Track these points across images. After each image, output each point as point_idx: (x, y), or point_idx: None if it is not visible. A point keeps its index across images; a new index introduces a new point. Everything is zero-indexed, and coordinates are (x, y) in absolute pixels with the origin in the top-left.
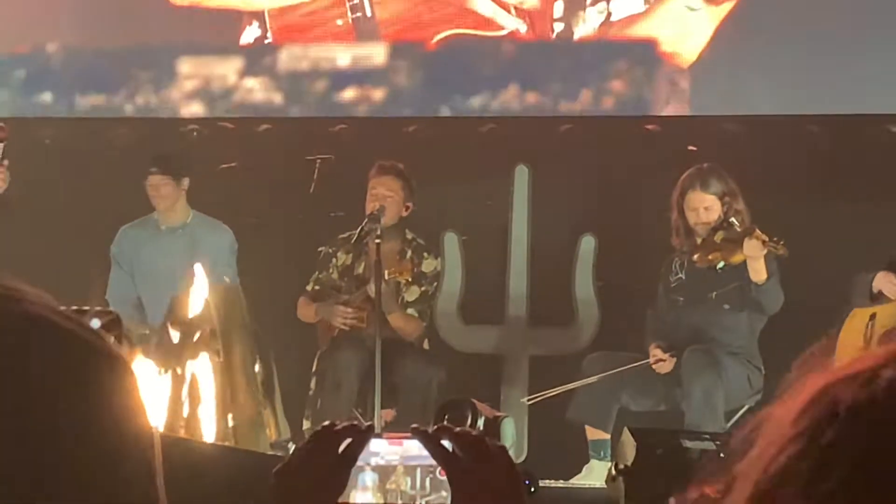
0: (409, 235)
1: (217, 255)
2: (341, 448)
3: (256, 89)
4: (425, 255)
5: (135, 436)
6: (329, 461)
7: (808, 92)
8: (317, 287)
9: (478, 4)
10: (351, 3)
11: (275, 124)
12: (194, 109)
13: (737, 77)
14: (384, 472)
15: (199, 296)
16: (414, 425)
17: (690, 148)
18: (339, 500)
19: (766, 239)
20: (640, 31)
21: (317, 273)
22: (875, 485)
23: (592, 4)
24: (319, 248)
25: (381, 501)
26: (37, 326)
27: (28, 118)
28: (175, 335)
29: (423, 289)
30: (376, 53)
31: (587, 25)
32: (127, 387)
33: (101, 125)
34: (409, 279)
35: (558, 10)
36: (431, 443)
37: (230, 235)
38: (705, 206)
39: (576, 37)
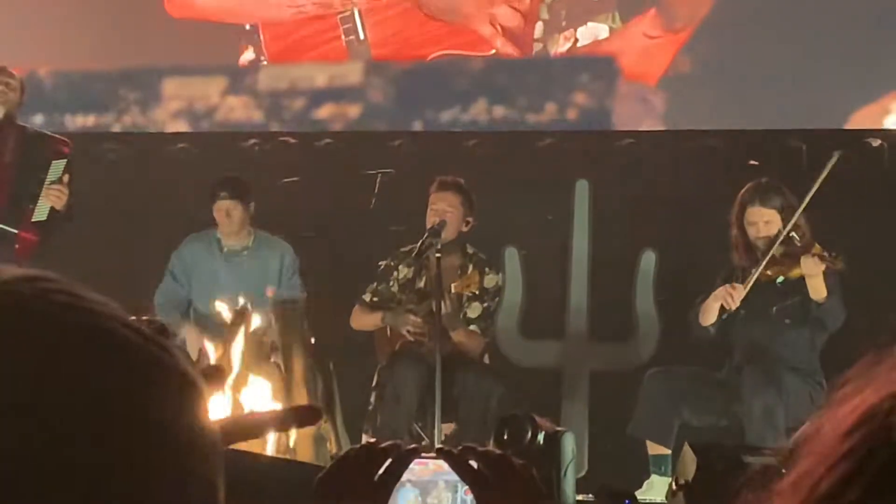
0: (471, 250)
1: (279, 275)
2: (384, 467)
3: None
4: (487, 269)
5: (201, 458)
6: (371, 478)
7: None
8: (375, 298)
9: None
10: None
11: (335, 138)
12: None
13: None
14: (425, 488)
15: (259, 311)
16: (439, 446)
17: (752, 162)
18: None
19: (824, 255)
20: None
21: (375, 284)
22: None
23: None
24: (380, 262)
25: None
26: (101, 339)
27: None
28: (237, 348)
29: (485, 305)
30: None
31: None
32: (195, 405)
33: (157, 140)
34: (476, 292)
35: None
36: (457, 463)
37: (290, 253)
38: (765, 221)
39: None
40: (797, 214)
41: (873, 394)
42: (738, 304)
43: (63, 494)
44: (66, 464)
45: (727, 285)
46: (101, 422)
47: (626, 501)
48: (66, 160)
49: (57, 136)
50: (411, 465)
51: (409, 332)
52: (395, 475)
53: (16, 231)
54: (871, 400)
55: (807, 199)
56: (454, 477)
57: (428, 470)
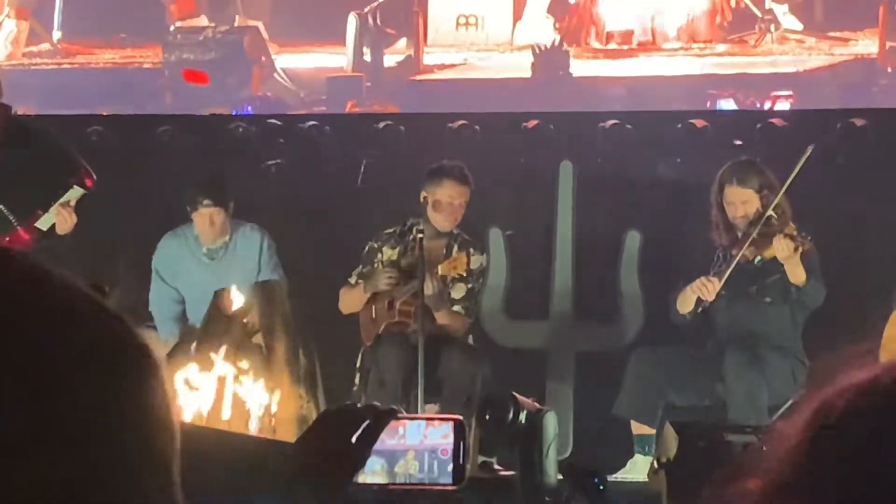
0: (455, 231)
1: (259, 263)
2: (361, 427)
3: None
4: (472, 251)
5: (157, 432)
6: (349, 438)
7: None
8: (360, 281)
9: None
10: None
11: (321, 121)
12: None
13: None
14: (392, 457)
15: (239, 293)
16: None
17: (737, 142)
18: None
19: (796, 235)
20: None
21: (360, 267)
22: (870, 487)
23: None
24: (367, 243)
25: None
26: (58, 313)
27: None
28: (218, 330)
29: (469, 286)
30: None
31: None
32: (151, 381)
33: (141, 122)
34: (463, 273)
35: None
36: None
37: (267, 237)
38: (742, 201)
39: None
40: (773, 204)
41: (823, 393)
42: (713, 296)
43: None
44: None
45: (703, 277)
46: (50, 395)
47: (595, 480)
48: (85, 192)
49: (86, 166)
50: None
51: (385, 285)
52: (372, 437)
53: (16, 225)
54: (821, 397)
55: (780, 193)
56: (422, 445)
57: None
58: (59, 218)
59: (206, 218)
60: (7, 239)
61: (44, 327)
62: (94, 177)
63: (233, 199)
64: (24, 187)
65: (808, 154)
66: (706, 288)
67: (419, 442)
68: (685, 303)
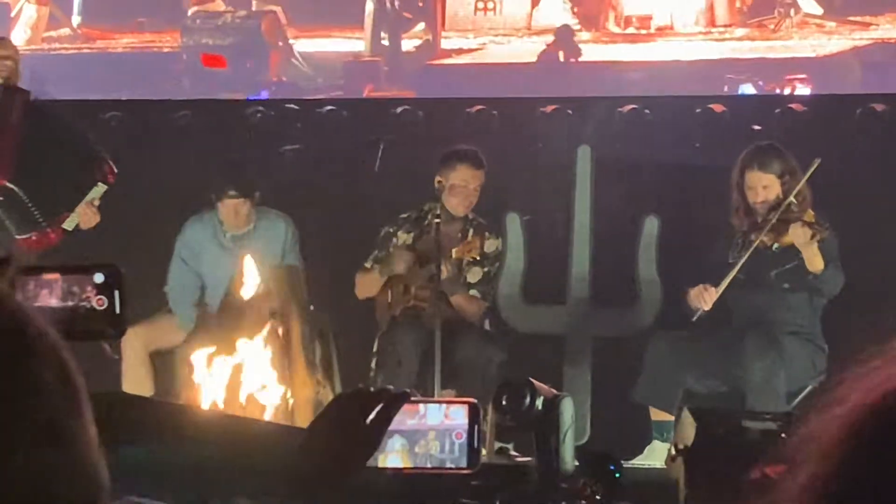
0: (471, 215)
1: (282, 251)
2: (375, 410)
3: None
4: (487, 234)
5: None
6: (363, 421)
7: None
8: (376, 265)
9: None
10: None
11: (338, 106)
12: None
13: None
14: (413, 437)
15: (256, 277)
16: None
17: (755, 127)
18: (369, 464)
19: (813, 223)
20: None
21: (376, 252)
22: None
23: None
24: (383, 228)
25: (411, 465)
26: None
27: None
28: (235, 314)
29: (485, 269)
30: None
31: None
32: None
33: (159, 107)
34: (477, 257)
35: None
36: None
37: (292, 226)
38: (763, 186)
39: None
40: (794, 191)
41: (870, 392)
42: (710, 306)
43: None
44: None
45: (701, 286)
46: None
47: (611, 467)
48: (107, 188)
49: (108, 160)
50: (400, 415)
51: (404, 269)
52: (386, 419)
53: (45, 226)
54: (871, 398)
55: (789, 198)
56: (443, 425)
57: (417, 419)
58: (84, 217)
59: (232, 208)
60: (34, 238)
61: None
62: (116, 171)
63: (258, 189)
64: (51, 185)
65: (814, 167)
66: (702, 298)
67: (440, 422)
68: (690, 303)
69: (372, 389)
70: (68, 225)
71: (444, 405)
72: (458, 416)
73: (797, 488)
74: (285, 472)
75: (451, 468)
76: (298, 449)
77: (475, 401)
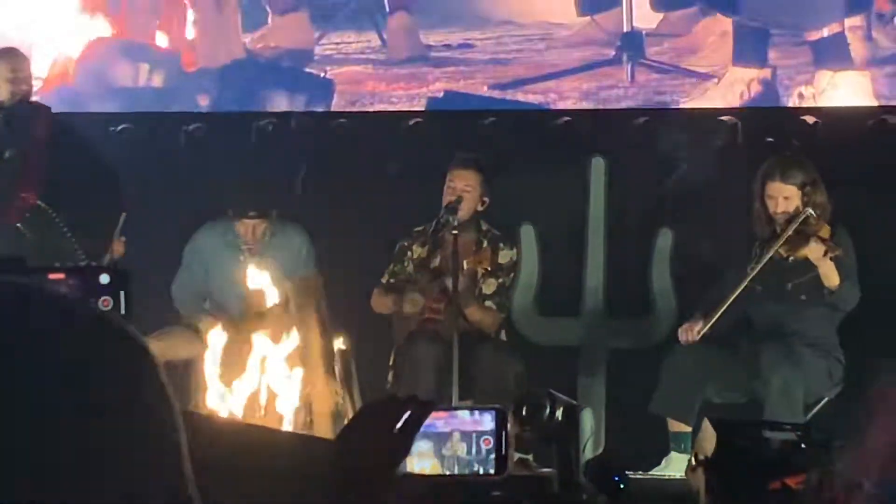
0: (485, 227)
1: (296, 260)
2: (404, 418)
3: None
4: (501, 245)
5: (158, 423)
6: (392, 429)
7: None
8: (392, 280)
9: None
10: None
11: (350, 118)
12: None
13: None
14: (439, 440)
15: (275, 289)
16: None
17: (768, 139)
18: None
19: (828, 240)
20: None
21: (392, 266)
22: None
23: None
24: (398, 242)
25: (438, 467)
26: (44, 306)
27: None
28: (253, 326)
29: (500, 280)
30: None
31: None
32: (146, 373)
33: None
34: (489, 268)
35: None
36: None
37: (307, 238)
38: (784, 196)
39: None
40: (803, 215)
41: None
42: (697, 337)
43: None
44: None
45: (687, 325)
46: (41, 389)
47: (616, 478)
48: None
49: (121, 188)
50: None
51: (416, 311)
52: (415, 426)
53: (84, 258)
54: None
55: (789, 230)
56: (469, 428)
57: (443, 422)
58: (115, 252)
59: (250, 228)
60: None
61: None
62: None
63: (275, 207)
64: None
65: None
66: (687, 335)
67: (465, 424)
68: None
69: (402, 397)
70: (104, 261)
71: (471, 411)
72: (484, 420)
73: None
74: (316, 483)
75: (479, 474)
76: (329, 458)
77: (502, 406)
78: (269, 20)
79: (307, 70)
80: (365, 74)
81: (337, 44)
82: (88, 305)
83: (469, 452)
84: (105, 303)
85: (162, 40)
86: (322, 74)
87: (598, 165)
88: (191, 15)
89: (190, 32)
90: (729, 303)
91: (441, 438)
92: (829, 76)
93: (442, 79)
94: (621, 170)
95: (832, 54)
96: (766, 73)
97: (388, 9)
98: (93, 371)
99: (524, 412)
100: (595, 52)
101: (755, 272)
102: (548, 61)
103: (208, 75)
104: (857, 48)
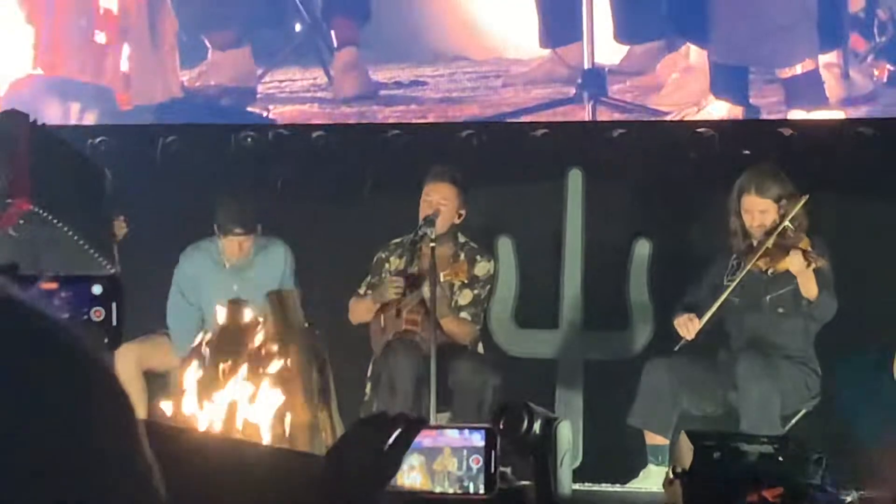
0: (462, 239)
1: (279, 274)
2: (393, 436)
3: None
4: (478, 258)
5: (114, 434)
6: (381, 447)
7: None
8: (369, 291)
9: None
10: None
11: (328, 131)
12: None
13: None
14: (430, 454)
15: (253, 303)
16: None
17: (745, 152)
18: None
19: (809, 252)
20: None
21: (369, 277)
22: None
23: None
24: (376, 255)
25: (429, 482)
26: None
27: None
28: (231, 339)
29: (475, 292)
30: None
31: None
32: (100, 383)
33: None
34: (465, 280)
35: None
36: None
37: (290, 253)
38: (760, 210)
39: None
40: (779, 227)
41: None
42: (693, 335)
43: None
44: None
45: (686, 315)
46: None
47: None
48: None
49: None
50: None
51: (394, 294)
52: (404, 444)
53: (105, 263)
54: None
55: (777, 231)
56: (460, 444)
57: (432, 440)
58: (118, 232)
59: (236, 244)
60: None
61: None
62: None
63: (259, 222)
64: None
65: (802, 202)
66: (686, 328)
67: (456, 440)
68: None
69: (390, 415)
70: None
71: (460, 430)
72: (474, 439)
73: None
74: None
75: (469, 493)
76: (319, 476)
77: (491, 426)
78: (209, 56)
79: (249, 109)
80: (310, 113)
81: (281, 81)
82: (50, 315)
83: (460, 468)
84: (97, 313)
85: (95, 77)
86: (265, 113)
87: (575, 177)
88: (126, 50)
89: (125, 68)
90: (718, 304)
91: (432, 453)
92: (802, 116)
93: (392, 118)
94: (598, 182)
95: (806, 92)
96: (737, 110)
97: (335, 44)
98: (32, 378)
99: (501, 425)
100: (555, 90)
101: (735, 283)
102: (505, 100)
103: (144, 113)
104: (832, 86)
